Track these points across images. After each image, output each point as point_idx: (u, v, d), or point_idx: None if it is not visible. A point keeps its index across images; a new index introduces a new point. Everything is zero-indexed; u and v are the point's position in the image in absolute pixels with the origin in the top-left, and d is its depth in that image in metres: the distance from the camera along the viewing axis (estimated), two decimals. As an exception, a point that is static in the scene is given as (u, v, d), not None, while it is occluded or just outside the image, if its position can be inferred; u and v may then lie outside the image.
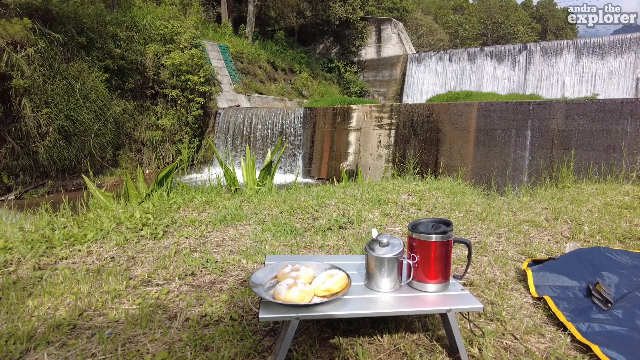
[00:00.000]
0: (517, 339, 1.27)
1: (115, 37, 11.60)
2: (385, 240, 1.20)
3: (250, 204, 3.04)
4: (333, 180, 4.41)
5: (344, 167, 10.36)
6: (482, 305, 1.12)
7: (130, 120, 11.80)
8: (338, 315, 1.08)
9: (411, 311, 1.13)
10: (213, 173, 5.47)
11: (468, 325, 1.31)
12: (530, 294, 1.57)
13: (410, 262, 1.21)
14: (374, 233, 1.30)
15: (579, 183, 3.78)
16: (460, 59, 18.63)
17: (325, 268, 1.27)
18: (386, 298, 1.16)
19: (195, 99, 12.42)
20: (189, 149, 12.49)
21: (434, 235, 1.17)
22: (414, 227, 1.22)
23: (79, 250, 2.03)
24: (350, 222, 2.53)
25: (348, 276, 1.20)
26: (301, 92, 17.82)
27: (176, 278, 1.73)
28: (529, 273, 1.65)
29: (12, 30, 9.00)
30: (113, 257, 1.97)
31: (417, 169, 4.72)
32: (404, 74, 19.96)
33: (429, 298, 1.16)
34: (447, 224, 1.22)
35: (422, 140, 9.24)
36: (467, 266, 1.26)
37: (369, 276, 1.21)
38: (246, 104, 14.53)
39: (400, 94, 19.88)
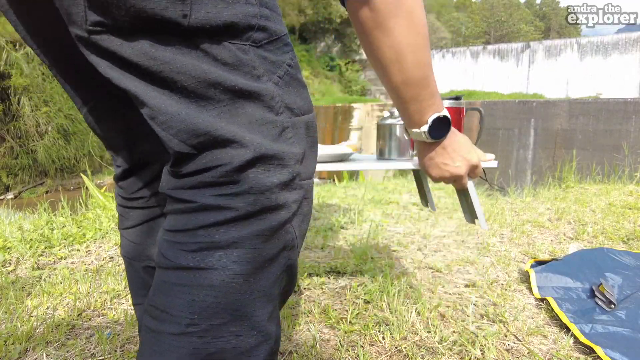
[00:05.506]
0: (520, 341, 1.26)
1: (116, 35, 11.60)
2: (397, 113, 1.21)
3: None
4: (334, 179, 4.40)
5: (345, 166, 10.34)
6: (497, 161, 1.08)
7: (131, 119, 11.80)
8: (344, 168, 1.12)
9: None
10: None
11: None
12: (533, 295, 1.56)
13: None
14: (386, 114, 1.32)
15: (583, 183, 3.76)
16: (462, 58, 18.56)
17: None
18: (395, 164, 1.17)
19: (196, 98, 12.41)
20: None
21: (446, 101, 1.15)
22: None
23: (78, 250, 2.02)
24: (351, 222, 2.52)
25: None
26: (302, 91, 17.80)
27: (176, 278, 1.72)
28: (532, 274, 1.63)
29: (11, 28, 9.00)
30: (112, 257, 1.96)
31: (419, 168, 4.69)
32: (405, 73, 19.90)
33: None
34: (458, 98, 1.22)
35: (424, 139, 9.21)
36: (480, 132, 1.26)
37: (380, 147, 1.22)
38: (247, 102, 14.51)
39: (401, 93, 19.81)
